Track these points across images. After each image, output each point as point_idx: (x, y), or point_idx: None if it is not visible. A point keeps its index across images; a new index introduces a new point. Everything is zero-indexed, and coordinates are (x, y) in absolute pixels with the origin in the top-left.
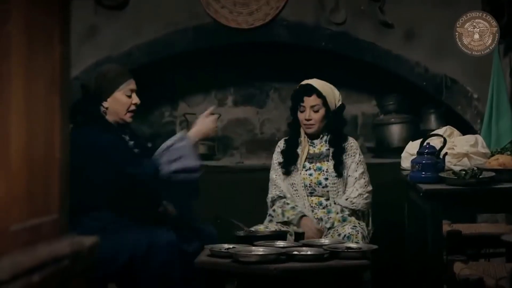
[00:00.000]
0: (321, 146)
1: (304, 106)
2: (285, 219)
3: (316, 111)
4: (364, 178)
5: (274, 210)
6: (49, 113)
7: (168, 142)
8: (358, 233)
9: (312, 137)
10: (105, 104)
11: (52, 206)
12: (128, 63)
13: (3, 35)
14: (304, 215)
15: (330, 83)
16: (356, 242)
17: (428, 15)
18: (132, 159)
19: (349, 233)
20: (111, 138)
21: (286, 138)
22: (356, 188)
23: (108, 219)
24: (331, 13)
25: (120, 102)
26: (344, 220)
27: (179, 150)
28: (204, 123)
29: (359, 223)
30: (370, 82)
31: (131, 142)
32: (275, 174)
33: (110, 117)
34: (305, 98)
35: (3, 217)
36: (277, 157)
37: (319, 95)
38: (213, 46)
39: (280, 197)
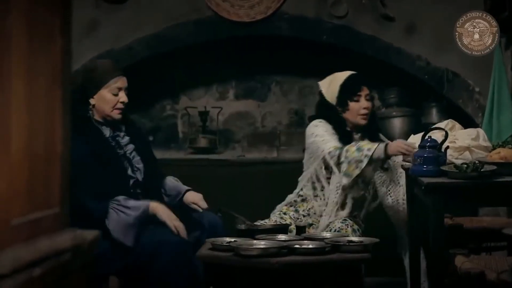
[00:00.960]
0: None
1: (360, 95)
2: (366, 152)
3: (369, 100)
4: None
5: (346, 151)
6: (50, 107)
7: (134, 212)
8: (348, 227)
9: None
10: (92, 101)
11: (53, 200)
12: (129, 57)
13: (4, 30)
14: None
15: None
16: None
17: (430, 8)
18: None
19: (339, 227)
20: (78, 152)
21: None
22: None
23: None
24: (332, 7)
25: (105, 100)
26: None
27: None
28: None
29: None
30: (372, 76)
31: (127, 138)
32: (327, 133)
33: (97, 115)
34: (364, 88)
35: (4, 211)
36: (325, 129)
37: (370, 88)
38: (214, 39)
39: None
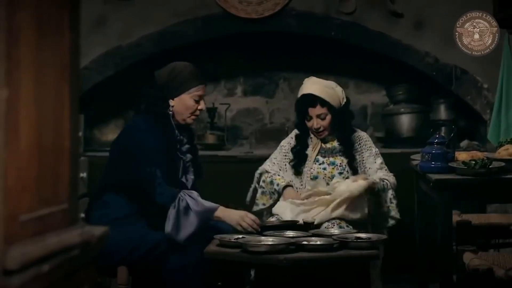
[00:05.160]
0: (332, 141)
1: (310, 116)
2: (274, 186)
3: (323, 119)
4: (384, 167)
5: (263, 181)
6: (59, 102)
7: (204, 204)
8: (333, 226)
9: None
10: (171, 102)
11: (62, 196)
12: (137, 53)
13: (13, 24)
14: (289, 185)
15: (340, 73)
16: None
17: (438, 4)
18: (158, 177)
19: (325, 227)
20: (156, 142)
21: (298, 133)
22: (379, 174)
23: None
24: (340, 3)
25: (186, 105)
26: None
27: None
28: (236, 217)
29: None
30: (380, 72)
31: (187, 146)
32: (279, 156)
33: (174, 116)
34: (310, 109)
35: (13, 206)
36: (287, 148)
37: (323, 103)
38: (222, 36)
39: (267, 172)
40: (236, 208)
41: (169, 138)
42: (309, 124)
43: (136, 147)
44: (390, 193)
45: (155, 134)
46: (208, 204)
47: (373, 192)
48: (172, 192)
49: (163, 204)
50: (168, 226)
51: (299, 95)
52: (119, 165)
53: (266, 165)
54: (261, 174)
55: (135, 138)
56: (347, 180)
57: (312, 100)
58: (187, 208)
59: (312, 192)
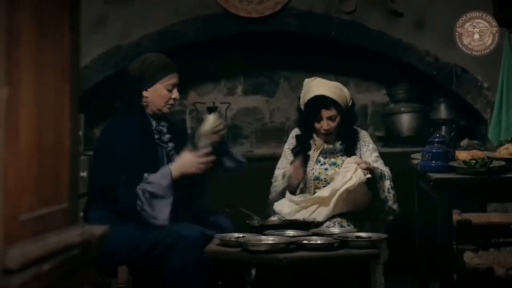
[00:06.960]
0: (334, 142)
1: (321, 117)
2: (287, 177)
3: (333, 120)
4: (380, 160)
5: (275, 181)
6: (59, 102)
7: (162, 182)
8: (335, 224)
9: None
10: (145, 93)
11: (62, 195)
12: (137, 53)
13: (14, 24)
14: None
15: (340, 72)
16: None
17: (438, 3)
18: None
19: (326, 226)
20: (130, 142)
21: (299, 134)
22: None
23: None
24: (340, 2)
25: (160, 95)
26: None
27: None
28: (186, 158)
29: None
30: (380, 71)
31: (168, 136)
32: (285, 161)
33: (149, 107)
34: (323, 111)
35: (13, 206)
36: (288, 148)
37: (335, 105)
38: (222, 35)
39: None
40: (234, 209)
41: (147, 131)
42: (318, 125)
43: (106, 152)
44: (388, 183)
45: (131, 132)
46: (164, 179)
47: (370, 179)
48: (132, 194)
49: (127, 208)
50: (151, 220)
51: (310, 95)
52: (95, 168)
53: (275, 173)
54: (272, 183)
55: (108, 143)
56: (344, 169)
57: (326, 101)
58: (153, 195)
59: (313, 200)
